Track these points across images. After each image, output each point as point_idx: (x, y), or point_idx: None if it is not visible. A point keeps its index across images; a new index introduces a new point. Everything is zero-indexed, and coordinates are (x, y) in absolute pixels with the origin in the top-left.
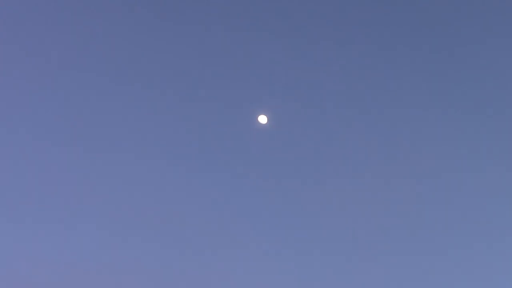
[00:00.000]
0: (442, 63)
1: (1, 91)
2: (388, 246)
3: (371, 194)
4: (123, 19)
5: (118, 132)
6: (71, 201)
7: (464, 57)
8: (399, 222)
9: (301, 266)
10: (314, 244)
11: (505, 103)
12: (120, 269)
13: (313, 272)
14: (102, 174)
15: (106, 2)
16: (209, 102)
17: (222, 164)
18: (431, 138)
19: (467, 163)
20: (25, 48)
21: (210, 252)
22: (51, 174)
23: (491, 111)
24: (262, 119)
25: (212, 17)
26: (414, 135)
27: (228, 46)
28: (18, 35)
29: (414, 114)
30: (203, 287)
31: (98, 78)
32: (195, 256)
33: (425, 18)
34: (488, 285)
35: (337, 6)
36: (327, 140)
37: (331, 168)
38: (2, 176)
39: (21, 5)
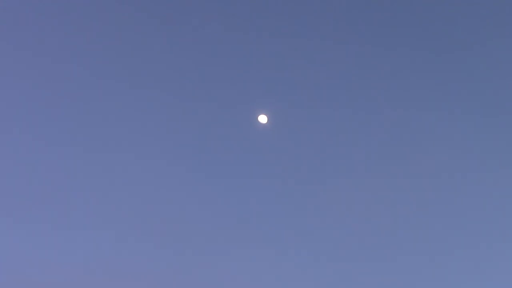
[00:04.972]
0: (442, 63)
1: (1, 91)
2: (390, 246)
3: (372, 194)
4: (123, 19)
5: (119, 132)
6: (72, 202)
7: (466, 57)
8: (400, 222)
9: (302, 266)
10: (315, 243)
11: (507, 103)
12: (121, 269)
13: (313, 271)
14: (102, 175)
15: (106, 2)
16: (209, 102)
17: (222, 164)
18: (432, 138)
19: (469, 163)
20: (25, 48)
21: (210, 252)
22: (51, 175)
23: (493, 111)
24: (262, 119)
25: (212, 17)
26: (415, 136)
27: (228, 46)
28: (17, 35)
29: (416, 114)
30: (204, 287)
31: (98, 78)
32: (195, 256)
33: (425, 18)
34: (491, 285)
35: (337, 6)
36: (327, 140)
37: (331, 168)
38: (4, 177)
39: (21, 4)
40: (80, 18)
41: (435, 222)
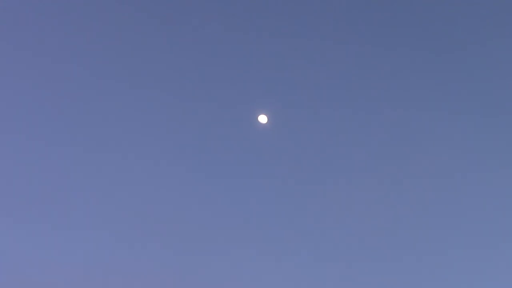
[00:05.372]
0: (442, 63)
1: (1, 91)
2: (390, 246)
3: (372, 194)
4: (123, 19)
5: (119, 132)
6: (72, 202)
7: (466, 57)
8: (400, 223)
9: (302, 266)
10: (315, 243)
11: (507, 103)
12: (121, 269)
13: (313, 271)
14: (102, 175)
15: (106, 2)
16: (209, 102)
17: (222, 164)
18: (432, 138)
19: (469, 163)
20: (25, 47)
21: (210, 252)
22: (51, 175)
23: (493, 111)
24: (262, 119)
25: (212, 17)
26: (415, 136)
27: (228, 46)
28: (17, 35)
29: (416, 114)
30: (204, 287)
31: (98, 78)
32: (195, 256)
33: (425, 18)
34: (491, 285)
35: (337, 6)
36: (328, 140)
37: (331, 168)
38: (4, 177)
39: (21, 4)
40: (80, 18)
41: (435, 222)
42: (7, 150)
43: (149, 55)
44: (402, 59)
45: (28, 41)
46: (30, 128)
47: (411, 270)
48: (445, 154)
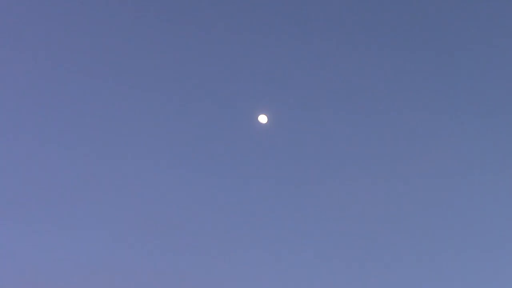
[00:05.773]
0: (443, 64)
1: (1, 91)
2: (390, 247)
3: (372, 194)
4: (123, 19)
5: (119, 132)
6: (72, 202)
7: (466, 57)
8: (400, 223)
9: (301, 266)
10: (315, 244)
11: (508, 103)
12: (121, 269)
13: (313, 271)
14: (103, 175)
15: (107, 2)
16: (209, 102)
17: (222, 164)
18: (433, 138)
19: (469, 163)
20: (26, 48)
21: (210, 252)
22: (51, 175)
23: (493, 111)
24: (262, 119)
25: (212, 17)
26: (415, 136)
27: (228, 46)
28: (18, 35)
29: (416, 114)
30: (204, 287)
31: (98, 78)
32: (195, 255)
33: (425, 18)
34: (491, 285)
35: (338, 7)
36: (327, 140)
37: (331, 168)
38: (5, 177)
39: (22, 4)
40: (80, 18)
41: (435, 222)
42: (8, 150)
43: (149, 55)
44: (403, 60)
45: (28, 41)
46: (31, 128)
47: (411, 270)
48: (445, 154)
